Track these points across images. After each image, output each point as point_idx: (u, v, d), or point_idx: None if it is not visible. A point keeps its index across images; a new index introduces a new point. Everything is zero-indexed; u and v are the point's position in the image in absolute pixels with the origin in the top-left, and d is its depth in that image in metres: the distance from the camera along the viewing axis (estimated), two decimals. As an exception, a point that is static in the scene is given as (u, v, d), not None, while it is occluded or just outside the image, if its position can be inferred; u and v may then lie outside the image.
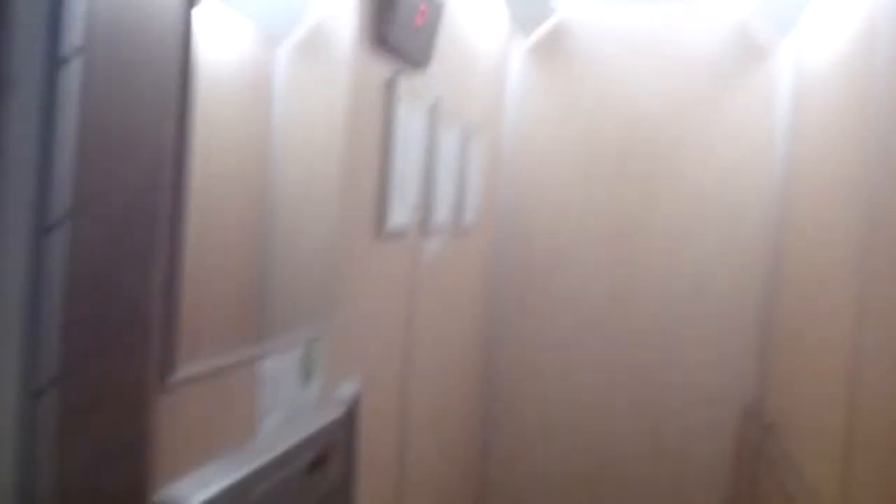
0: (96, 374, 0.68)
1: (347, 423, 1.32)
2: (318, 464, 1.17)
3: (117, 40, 0.66)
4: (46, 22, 0.59)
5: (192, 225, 0.83)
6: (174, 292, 0.81)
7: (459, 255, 2.27)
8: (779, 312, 2.56)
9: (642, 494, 2.81)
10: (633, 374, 2.78)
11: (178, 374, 0.83)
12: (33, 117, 0.59)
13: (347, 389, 1.36)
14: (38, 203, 0.60)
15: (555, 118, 2.78)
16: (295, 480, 1.10)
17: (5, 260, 0.59)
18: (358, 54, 1.28)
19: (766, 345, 2.65)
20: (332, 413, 1.25)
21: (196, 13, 0.79)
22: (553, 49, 2.75)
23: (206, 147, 0.85)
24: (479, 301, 2.67)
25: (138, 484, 0.78)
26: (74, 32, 0.61)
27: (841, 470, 1.65)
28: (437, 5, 1.53)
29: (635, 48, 2.71)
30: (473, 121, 2.20)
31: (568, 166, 2.78)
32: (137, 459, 0.77)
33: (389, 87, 1.43)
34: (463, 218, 2.16)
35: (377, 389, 1.57)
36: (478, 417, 2.79)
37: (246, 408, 1.01)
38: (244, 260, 1.00)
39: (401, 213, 1.56)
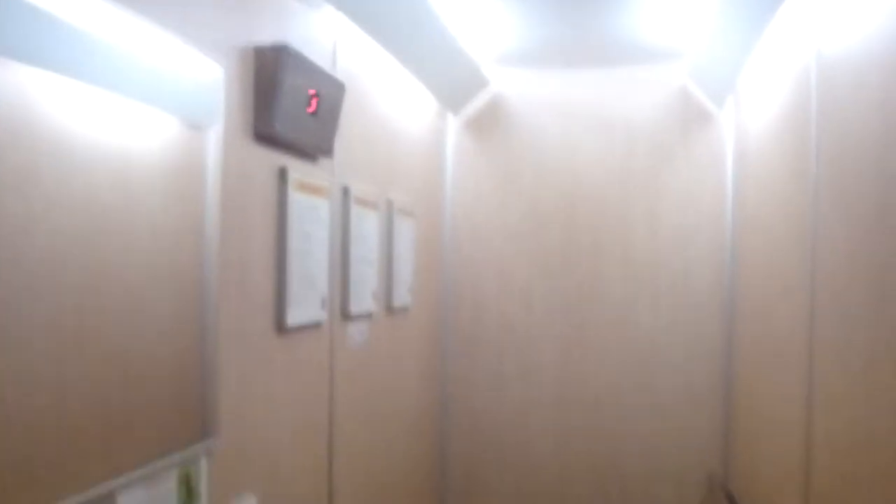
0: None
1: (243, 545, 1.22)
2: None
3: None
4: None
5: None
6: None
7: (397, 335, 2.19)
8: (737, 380, 2.49)
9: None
10: (591, 444, 2.69)
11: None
12: None
13: (243, 506, 1.26)
14: None
15: (496, 191, 2.74)
16: None
17: None
18: (236, 147, 1.22)
19: (727, 412, 2.58)
20: (222, 537, 1.15)
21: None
22: (489, 123, 2.73)
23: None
24: (428, 377, 2.58)
25: None
26: None
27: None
28: (334, 93, 1.49)
29: (573, 117, 2.69)
30: (402, 202, 2.15)
31: (513, 239, 2.74)
32: None
33: (280, 179, 1.37)
34: (394, 298, 2.09)
35: (288, 497, 1.46)
36: (435, 496, 2.67)
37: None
38: (104, 380, 0.91)
39: (307, 307, 1.49)
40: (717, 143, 2.58)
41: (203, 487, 1.13)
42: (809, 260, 1.55)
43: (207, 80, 1.11)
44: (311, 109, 1.39)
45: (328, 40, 1.61)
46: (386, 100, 2.03)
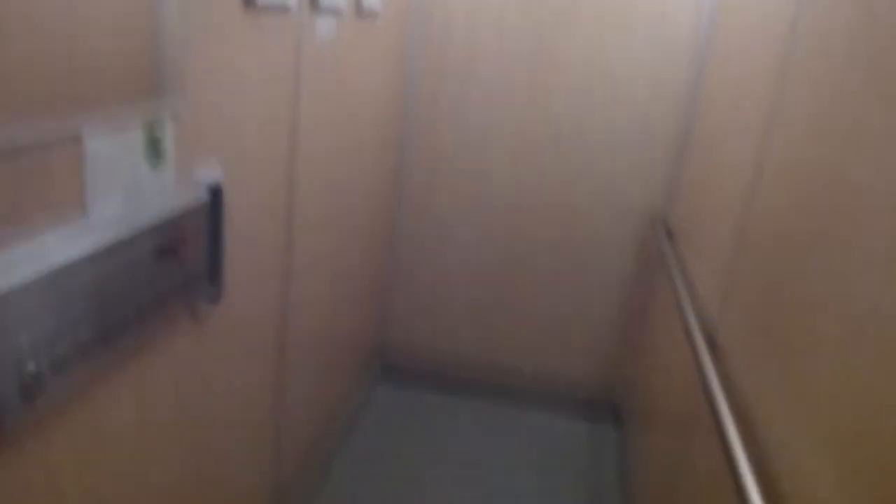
0: None
1: (210, 210, 1.25)
2: (168, 250, 1.12)
3: None
4: None
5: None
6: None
7: (364, 38, 2.12)
8: (695, 124, 2.53)
9: (546, 290, 2.91)
10: (547, 176, 2.77)
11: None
12: None
13: (209, 175, 1.28)
14: None
15: None
16: (137, 266, 1.05)
17: None
18: None
19: (679, 157, 2.65)
20: (188, 199, 1.18)
21: None
22: None
23: None
24: (393, 92, 2.55)
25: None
26: None
27: (724, 279, 1.69)
28: None
29: None
30: None
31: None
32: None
33: None
34: (363, 1, 1.99)
35: (252, 177, 1.49)
36: (388, 211, 2.78)
37: (69, 189, 0.92)
38: (61, 22, 0.87)
39: (275, -15, 1.41)
40: None
41: (169, 146, 1.14)
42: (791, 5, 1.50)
43: None
44: None
45: None
46: None
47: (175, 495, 1.36)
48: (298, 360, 1.97)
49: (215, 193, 1.27)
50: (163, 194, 1.13)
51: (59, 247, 0.89)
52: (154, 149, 1.10)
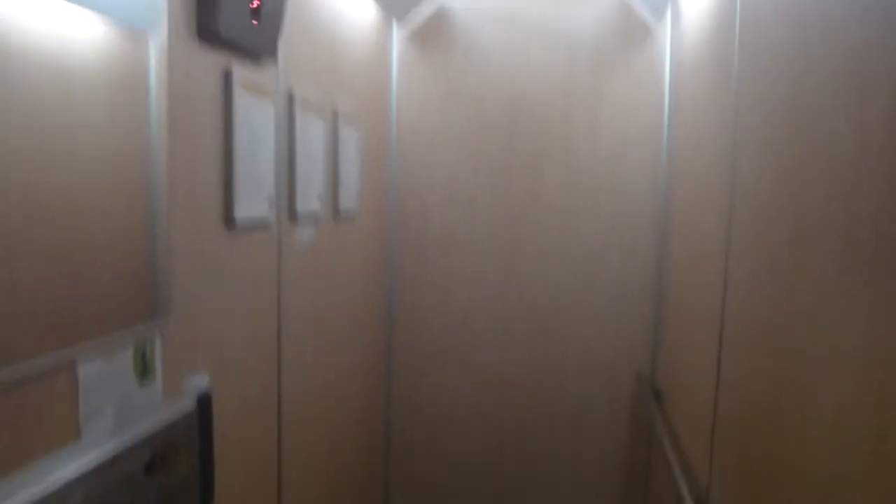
0: None
1: (197, 419, 1.31)
2: (158, 462, 1.17)
3: None
4: None
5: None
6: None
7: (344, 240, 2.28)
8: (667, 285, 2.65)
9: (542, 464, 2.89)
10: (530, 345, 2.85)
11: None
12: None
13: (196, 385, 1.35)
14: None
15: (441, 102, 2.80)
16: (128, 481, 1.09)
17: None
18: (180, 49, 1.26)
19: (656, 317, 2.75)
20: (176, 411, 1.25)
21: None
22: (433, 34, 2.77)
23: None
24: (374, 281, 2.68)
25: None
26: None
27: (709, 439, 1.73)
28: (277, -7, 1.52)
29: (516, 29, 2.74)
30: (347, 108, 2.19)
31: (457, 149, 2.81)
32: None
33: (225, 80, 1.41)
34: (340, 205, 2.16)
35: (240, 381, 1.56)
36: (377, 404, 2.81)
37: (65, 412, 0.99)
38: (57, 260, 0.98)
39: (254, 203, 1.55)
40: (657, 56, 2.66)
41: (157, 364, 1.22)
42: (729, 169, 1.66)
43: (150, -25, 1.14)
44: (254, 5, 1.42)
45: (271, -59, 1.62)
46: (328, 4, 2.05)
47: None
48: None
49: (203, 401, 1.33)
50: (152, 408, 1.20)
51: (54, 470, 0.95)
52: (143, 366, 1.18)
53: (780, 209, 1.25)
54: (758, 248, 1.38)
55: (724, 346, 1.61)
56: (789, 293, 1.16)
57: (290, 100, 1.75)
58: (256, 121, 1.53)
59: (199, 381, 1.37)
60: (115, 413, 1.11)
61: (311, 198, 1.91)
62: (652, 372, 2.76)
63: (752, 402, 1.36)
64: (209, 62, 1.37)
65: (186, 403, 1.28)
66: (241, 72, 1.46)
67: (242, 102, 1.46)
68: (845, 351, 0.92)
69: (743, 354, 1.45)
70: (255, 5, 1.43)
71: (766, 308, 1.29)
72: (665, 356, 2.56)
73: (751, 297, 1.42)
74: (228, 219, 1.46)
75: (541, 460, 2.88)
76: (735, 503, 1.43)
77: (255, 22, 1.45)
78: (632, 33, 2.68)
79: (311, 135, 1.89)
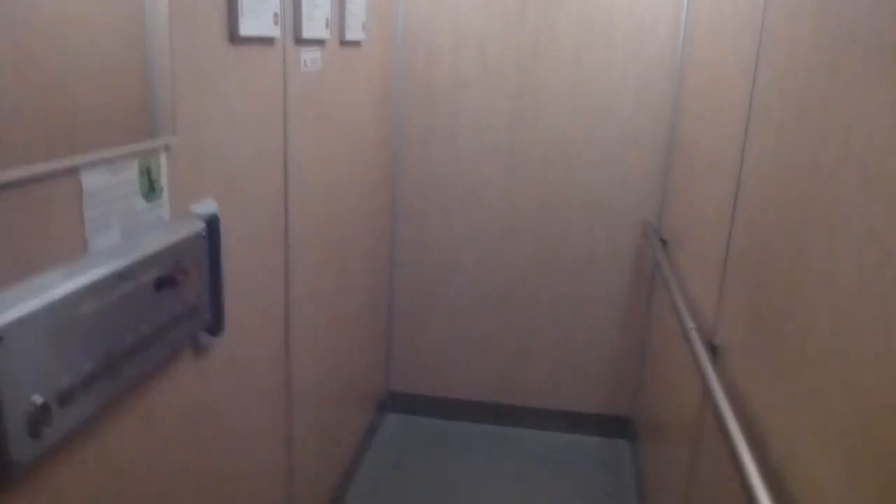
0: None
1: (206, 242, 1.28)
2: (168, 281, 1.14)
3: None
4: None
5: None
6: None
7: (351, 68, 2.17)
8: (680, 135, 2.57)
9: (548, 310, 2.92)
10: (538, 191, 2.80)
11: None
12: None
13: (204, 207, 1.30)
14: None
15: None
16: (139, 296, 1.06)
17: None
18: None
19: (666, 168, 2.68)
20: (185, 231, 1.20)
21: None
22: None
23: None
24: (381, 120, 2.59)
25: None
26: None
27: (718, 281, 1.71)
28: None
29: None
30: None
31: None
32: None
33: None
34: (347, 31, 2.04)
35: (247, 208, 1.52)
36: (383, 241, 2.80)
37: (70, 223, 0.95)
38: (51, 67, 0.90)
39: (259, 20, 1.44)
40: None
41: (164, 182, 1.16)
42: (759, 7, 1.54)
43: None
44: None
45: None
46: None
47: (187, 529, 1.36)
48: (304, 393, 1.98)
49: (211, 225, 1.29)
50: (159, 226, 1.16)
51: (60, 280, 0.91)
52: (149, 183, 1.13)
53: (814, 47, 1.16)
54: (786, 95, 1.30)
55: (741, 190, 1.56)
56: (820, 135, 1.08)
57: None
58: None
59: (207, 204, 1.32)
60: (122, 228, 1.06)
61: (318, 22, 1.79)
62: (659, 222, 2.73)
63: (767, 243, 1.32)
64: None
65: (195, 225, 1.24)
66: None
67: None
68: (882, 172, 0.86)
69: (760, 193, 1.40)
70: None
71: (792, 141, 1.22)
72: (673, 207, 2.52)
73: (775, 147, 1.35)
74: (233, 35, 1.36)
75: (544, 303, 2.91)
76: (743, 339, 1.43)
77: None
78: None
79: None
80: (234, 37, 1.37)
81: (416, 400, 3.10)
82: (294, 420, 1.92)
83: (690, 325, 1.69)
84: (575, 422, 3.02)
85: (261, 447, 1.72)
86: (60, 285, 0.91)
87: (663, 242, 2.55)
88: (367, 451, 2.82)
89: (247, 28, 1.39)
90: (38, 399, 0.86)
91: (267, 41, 1.53)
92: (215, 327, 1.36)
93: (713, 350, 1.61)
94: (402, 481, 2.64)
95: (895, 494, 0.77)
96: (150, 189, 1.13)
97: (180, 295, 1.18)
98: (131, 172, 1.07)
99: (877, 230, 0.88)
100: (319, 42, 1.85)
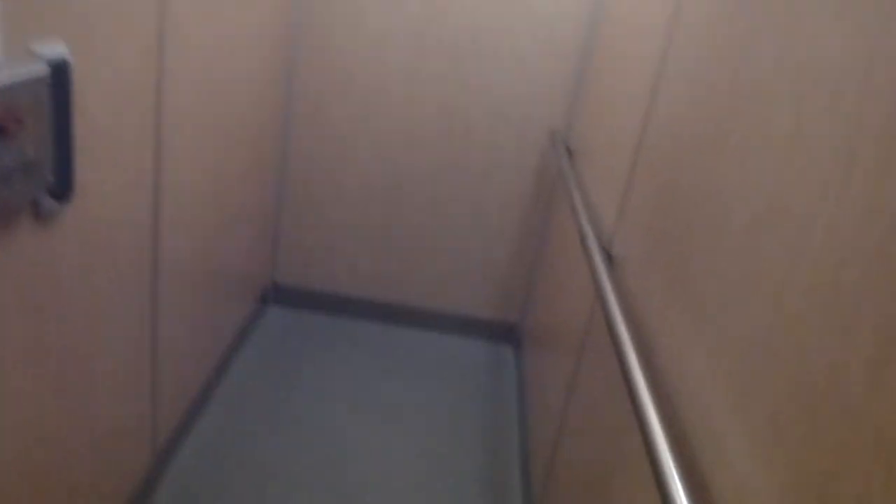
0: None
1: (50, 90, 1.08)
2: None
3: None
4: None
5: None
6: None
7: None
8: (596, 40, 2.46)
9: (444, 210, 2.83)
10: (444, 90, 2.66)
11: None
12: None
13: (50, 50, 1.10)
14: None
15: None
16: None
17: None
18: None
19: (577, 73, 2.59)
20: (21, 74, 1.01)
21: None
22: None
23: None
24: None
25: None
26: None
27: (622, 192, 1.65)
28: None
29: None
30: None
31: None
32: None
33: None
34: None
35: (109, 60, 1.31)
36: (276, 123, 2.60)
37: None
38: None
39: None
40: None
41: (-7, 7, 0.96)
42: None
43: None
44: None
45: None
46: None
47: (33, 431, 1.22)
48: (174, 275, 1.82)
49: (59, 71, 1.09)
50: (-12, 65, 0.96)
51: None
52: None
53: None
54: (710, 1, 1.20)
55: (653, 101, 1.48)
56: (742, 45, 1.00)
57: None
58: None
59: (55, 47, 1.11)
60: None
61: None
62: (567, 130, 2.66)
63: (676, 157, 1.25)
64: None
65: (37, 68, 1.04)
66: None
67: None
68: (815, 88, 0.79)
69: (674, 107, 1.32)
70: None
71: (712, 62, 1.14)
72: (584, 116, 2.44)
73: (696, 58, 1.26)
74: None
75: (441, 204, 2.82)
76: (641, 252, 1.38)
77: None
78: None
79: None
80: None
81: (302, 293, 2.99)
82: (159, 305, 1.76)
83: (589, 232, 1.63)
84: (462, 325, 3.00)
85: (118, 332, 1.56)
86: None
87: (569, 151, 2.48)
88: (244, 345, 2.70)
89: None
90: None
91: None
92: (61, 191, 1.18)
93: (609, 259, 1.56)
94: (278, 380, 2.54)
95: (781, 422, 0.73)
96: (-25, 14, 0.93)
97: (12, 147, 1.00)
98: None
99: (799, 148, 0.81)
100: None
